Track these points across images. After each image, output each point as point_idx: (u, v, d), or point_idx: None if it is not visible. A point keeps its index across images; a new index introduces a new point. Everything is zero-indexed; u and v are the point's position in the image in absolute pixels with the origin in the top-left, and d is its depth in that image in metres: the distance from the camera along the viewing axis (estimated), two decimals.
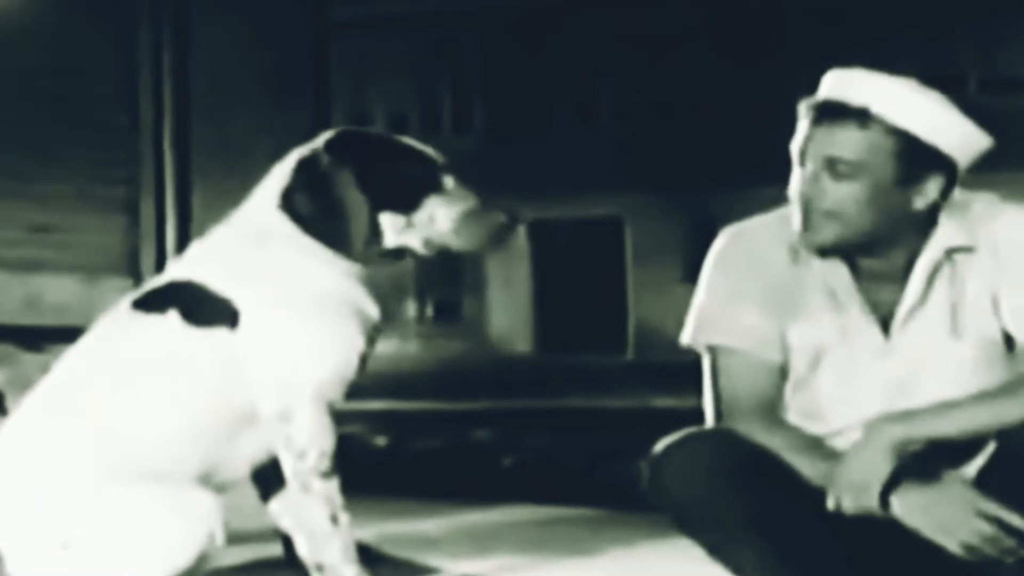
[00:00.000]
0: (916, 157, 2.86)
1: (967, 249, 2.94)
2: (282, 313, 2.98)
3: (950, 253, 2.94)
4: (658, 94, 7.41)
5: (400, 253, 3.09)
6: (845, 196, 2.86)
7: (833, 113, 2.87)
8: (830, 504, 2.86)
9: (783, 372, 2.99)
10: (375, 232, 3.03)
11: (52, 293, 6.98)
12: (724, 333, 3.00)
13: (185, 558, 2.86)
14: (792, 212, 2.94)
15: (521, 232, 7.61)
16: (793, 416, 2.99)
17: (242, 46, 7.44)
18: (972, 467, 2.94)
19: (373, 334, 3.08)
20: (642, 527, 4.98)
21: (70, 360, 3.01)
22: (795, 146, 2.93)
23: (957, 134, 2.87)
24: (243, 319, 2.96)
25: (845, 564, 2.87)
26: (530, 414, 7.41)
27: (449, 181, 3.06)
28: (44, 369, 3.07)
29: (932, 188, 2.89)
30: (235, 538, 3.01)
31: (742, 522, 2.85)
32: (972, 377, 2.93)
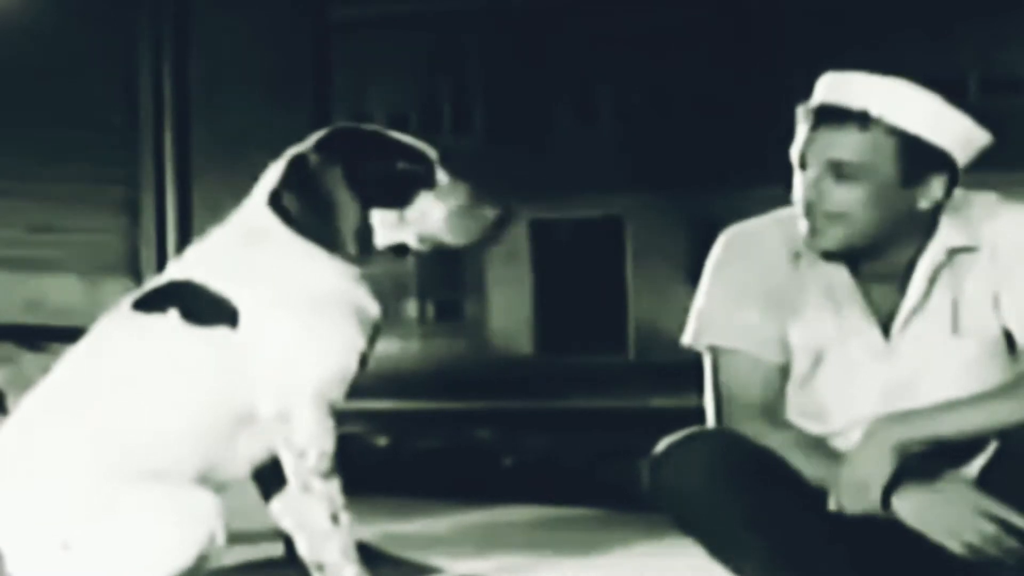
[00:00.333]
0: (918, 157, 2.86)
1: (969, 249, 2.94)
2: (281, 313, 2.98)
3: (952, 254, 2.94)
4: (658, 94, 7.40)
5: (402, 250, 3.09)
6: (849, 199, 2.86)
7: (833, 116, 2.87)
8: (831, 504, 2.86)
9: (784, 373, 2.99)
10: (367, 229, 3.02)
11: (52, 293, 6.98)
12: (725, 334, 3.00)
13: (185, 558, 2.86)
14: (797, 217, 2.94)
15: (521, 232, 7.61)
16: (794, 416, 2.99)
17: (242, 46, 7.44)
18: (974, 467, 2.94)
19: (373, 333, 3.07)
20: (642, 527, 4.98)
21: (70, 360, 3.01)
22: (795, 151, 2.93)
23: (957, 131, 2.87)
24: (242, 319, 2.96)
25: (846, 564, 2.87)
26: (530, 414, 7.41)
27: (442, 176, 3.05)
28: (44, 369, 3.06)
29: (936, 187, 2.89)
30: (236, 538, 3.01)
31: (742, 522, 2.85)
32: (973, 377, 2.93)
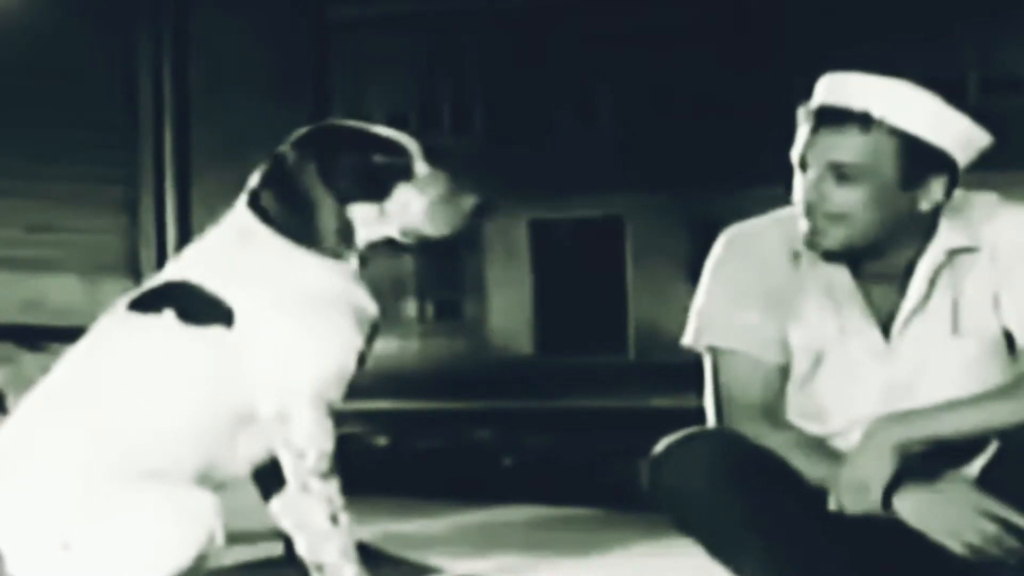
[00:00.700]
0: (919, 158, 2.86)
1: (969, 250, 2.94)
2: (277, 313, 2.97)
3: (952, 255, 2.94)
4: (658, 94, 7.40)
5: (400, 247, 3.08)
6: (850, 200, 2.86)
7: (833, 118, 2.87)
8: (831, 504, 2.86)
9: (784, 373, 2.99)
10: (346, 225, 3.01)
11: (52, 293, 6.98)
12: (725, 334, 2.99)
13: (185, 558, 2.86)
14: (797, 217, 2.94)
15: (521, 232, 7.61)
16: (794, 416, 2.99)
17: (242, 46, 7.44)
18: (974, 467, 2.94)
19: (371, 332, 3.07)
20: (642, 527, 4.98)
21: (69, 361, 3.01)
22: (795, 152, 2.93)
23: (958, 132, 2.87)
24: (238, 319, 2.95)
25: (846, 564, 2.87)
26: (530, 414, 7.41)
27: (421, 167, 3.03)
28: (44, 369, 3.06)
29: (936, 189, 2.89)
30: (235, 538, 3.00)
31: (742, 522, 2.84)
32: (973, 377, 2.93)
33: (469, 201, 3.03)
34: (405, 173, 3.02)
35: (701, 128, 7.52)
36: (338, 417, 3.03)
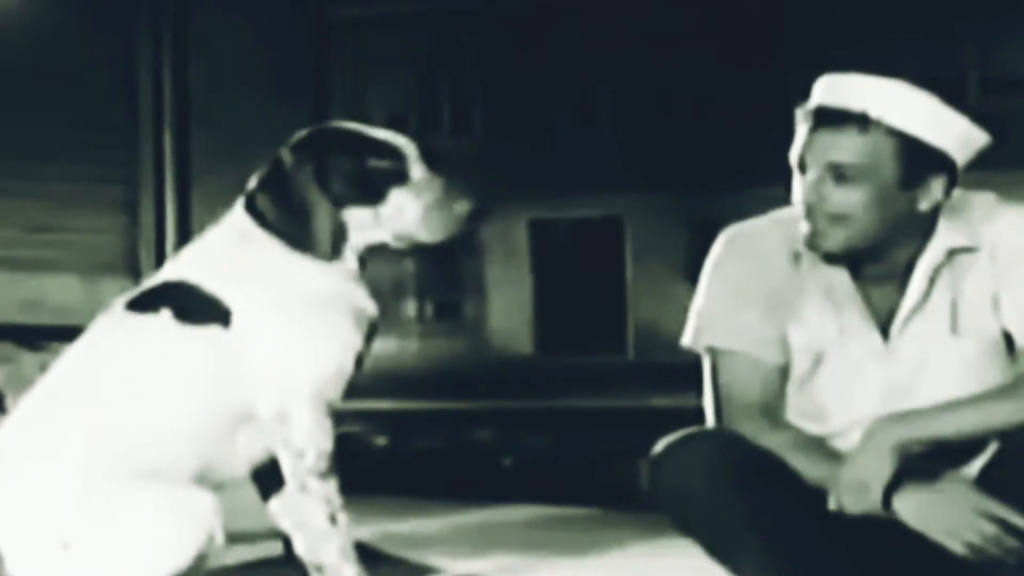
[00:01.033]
0: (918, 158, 2.86)
1: (968, 250, 2.94)
2: (274, 313, 2.97)
3: (951, 254, 2.94)
4: (658, 94, 7.39)
5: (397, 250, 3.08)
6: (850, 201, 2.86)
7: (832, 118, 2.87)
8: (831, 504, 2.86)
9: (784, 373, 2.99)
10: (340, 230, 3.01)
11: (52, 293, 6.98)
12: (724, 335, 3.00)
13: (184, 557, 2.86)
14: (797, 218, 2.94)
15: (521, 232, 7.61)
16: (794, 417, 2.99)
17: (242, 46, 7.44)
18: (974, 467, 2.94)
19: (370, 332, 3.07)
20: (641, 527, 4.98)
21: (67, 360, 3.01)
22: (794, 154, 2.93)
23: (956, 132, 2.87)
24: (235, 319, 2.95)
25: (845, 564, 2.87)
26: (530, 414, 7.41)
27: (417, 171, 3.02)
28: (44, 369, 3.07)
29: (936, 189, 2.89)
30: (235, 538, 3.01)
31: (742, 522, 2.84)
32: (972, 377, 2.93)
33: (463, 207, 3.03)
34: (400, 177, 3.01)
35: (701, 128, 7.51)
36: (337, 417, 3.03)
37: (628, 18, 7.63)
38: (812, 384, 2.99)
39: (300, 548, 3.04)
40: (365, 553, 3.07)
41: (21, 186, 6.91)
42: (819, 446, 2.93)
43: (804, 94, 2.97)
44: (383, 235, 3.04)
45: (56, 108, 6.96)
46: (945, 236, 2.94)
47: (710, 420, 3.02)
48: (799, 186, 2.93)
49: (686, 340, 3.06)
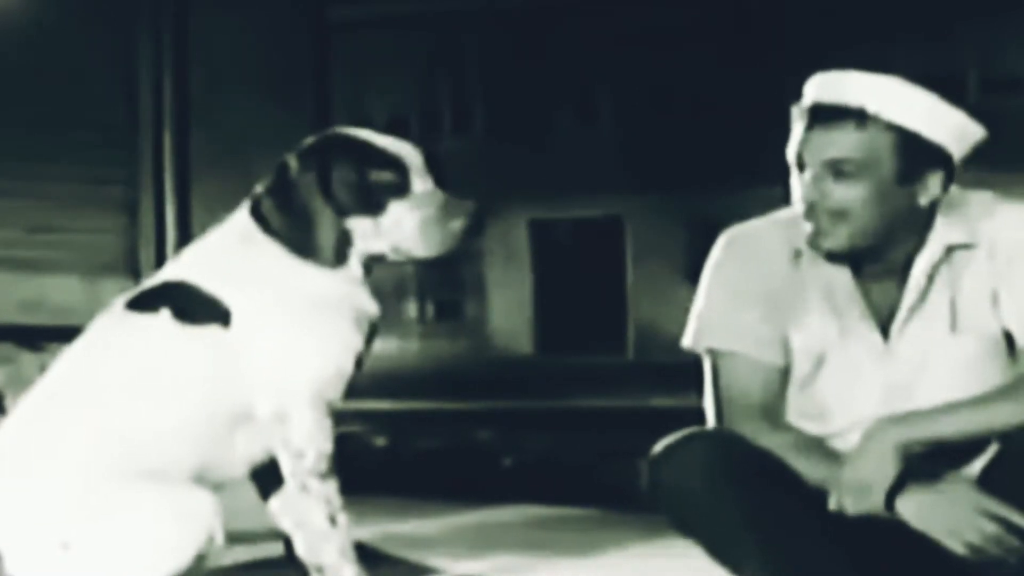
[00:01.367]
0: (916, 153, 2.86)
1: (967, 246, 2.94)
2: (275, 312, 2.98)
3: (950, 251, 2.94)
4: (658, 94, 7.38)
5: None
6: (850, 196, 2.86)
7: (829, 115, 2.87)
8: (831, 504, 2.86)
9: (784, 375, 2.99)
10: (343, 238, 3.01)
11: (52, 293, 6.98)
12: (724, 336, 2.99)
13: (184, 557, 2.86)
14: (798, 218, 2.94)
15: (521, 232, 7.61)
16: (795, 418, 2.99)
17: (242, 46, 7.44)
18: (975, 467, 2.94)
19: (371, 332, 3.07)
20: (641, 528, 4.98)
21: (66, 360, 3.01)
22: (791, 152, 2.93)
23: (953, 126, 2.88)
24: (235, 319, 2.96)
25: (845, 565, 2.87)
26: (530, 414, 7.41)
27: (419, 184, 3.02)
28: (43, 369, 3.07)
29: (934, 184, 2.89)
30: (235, 538, 3.00)
31: (742, 522, 2.84)
32: (973, 375, 2.93)
33: (459, 223, 3.02)
34: (400, 190, 3.01)
35: (701, 128, 7.51)
36: (337, 417, 3.03)
37: (628, 18, 7.62)
38: (814, 385, 2.99)
39: (300, 548, 3.04)
40: (365, 553, 3.07)
41: (21, 186, 6.91)
42: (819, 447, 2.93)
43: (804, 95, 2.97)
44: (382, 246, 3.04)
45: (56, 108, 6.96)
46: (943, 233, 2.94)
47: (711, 421, 3.02)
48: (798, 185, 2.92)
49: (687, 342, 3.06)
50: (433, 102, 8.01)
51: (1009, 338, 2.96)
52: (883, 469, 2.82)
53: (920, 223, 2.93)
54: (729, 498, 2.84)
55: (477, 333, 8.01)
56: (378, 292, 3.11)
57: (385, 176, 3.01)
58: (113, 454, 2.89)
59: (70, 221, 7.07)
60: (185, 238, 7.01)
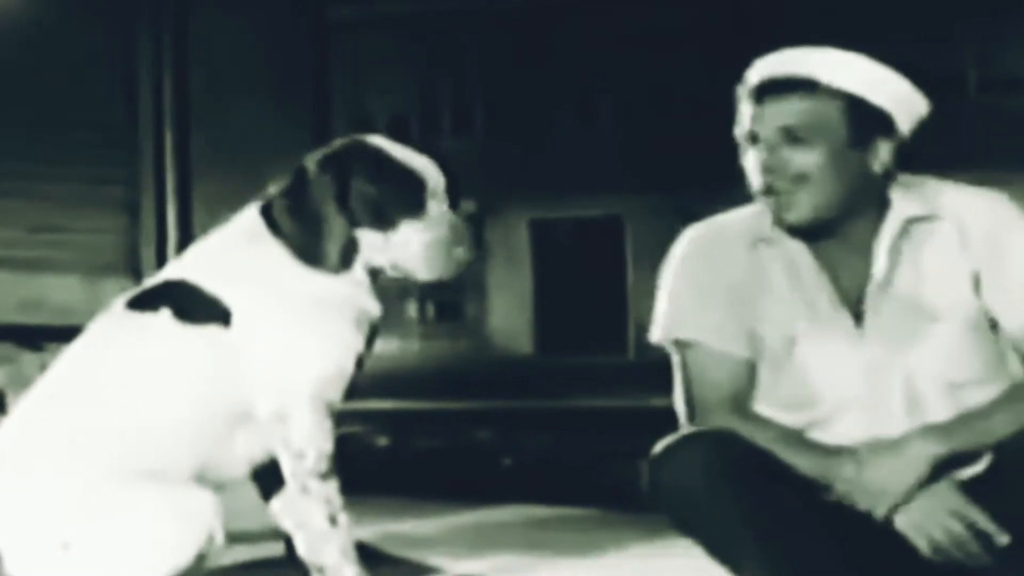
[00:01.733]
0: (863, 117, 2.92)
1: (926, 218, 2.96)
2: (276, 313, 2.98)
3: (909, 224, 2.96)
4: (658, 94, 7.37)
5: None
6: (807, 161, 2.92)
7: (779, 88, 2.94)
8: (834, 495, 2.87)
9: (752, 367, 3.01)
10: (351, 247, 3.01)
11: (52, 293, 6.98)
12: (691, 329, 3.02)
13: (185, 557, 2.86)
14: (759, 212, 2.97)
15: (521, 232, 7.60)
16: (777, 408, 2.99)
17: (242, 46, 7.44)
18: (965, 472, 2.94)
19: (371, 333, 3.07)
20: (641, 528, 4.98)
21: (66, 360, 3.01)
22: (741, 130, 2.97)
23: (896, 93, 2.95)
24: (235, 318, 2.96)
25: (844, 563, 2.87)
26: (530, 414, 7.41)
27: (433, 207, 3.02)
28: (44, 369, 3.07)
29: (884, 150, 2.94)
30: (236, 538, 3.01)
31: (741, 521, 2.85)
32: (953, 352, 2.94)
33: (463, 252, 3.03)
34: (414, 209, 3.01)
35: (701, 128, 7.51)
36: (338, 417, 3.03)
37: (628, 18, 7.62)
38: (792, 373, 2.99)
39: (301, 549, 3.04)
40: (366, 553, 3.07)
41: (22, 186, 6.91)
42: (806, 439, 2.94)
43: (745, 76, 3.03)
44: (384, 261, 3.03)
45: (56, 108, 6.96)
46: (901, 207, 2.98)
47: (682, 416, 3.04)
48: (753, 161, 2.96)
49: (654, 336, 3.09)
50: (433, 102, 8.01)
51: (992, 318, 2.97)
52: (907, 479, 2.85)
53: (876, 194, 2.96)
54: (728, 497, 2.85)
55: (477, 333, 8.01)
56: (379, 292, 3.12)
57: (401, 193, 3.00)
58: (113, 454, 2.89)
59: (70, 221, 7.07)
60: (186, 238, 7.02)
